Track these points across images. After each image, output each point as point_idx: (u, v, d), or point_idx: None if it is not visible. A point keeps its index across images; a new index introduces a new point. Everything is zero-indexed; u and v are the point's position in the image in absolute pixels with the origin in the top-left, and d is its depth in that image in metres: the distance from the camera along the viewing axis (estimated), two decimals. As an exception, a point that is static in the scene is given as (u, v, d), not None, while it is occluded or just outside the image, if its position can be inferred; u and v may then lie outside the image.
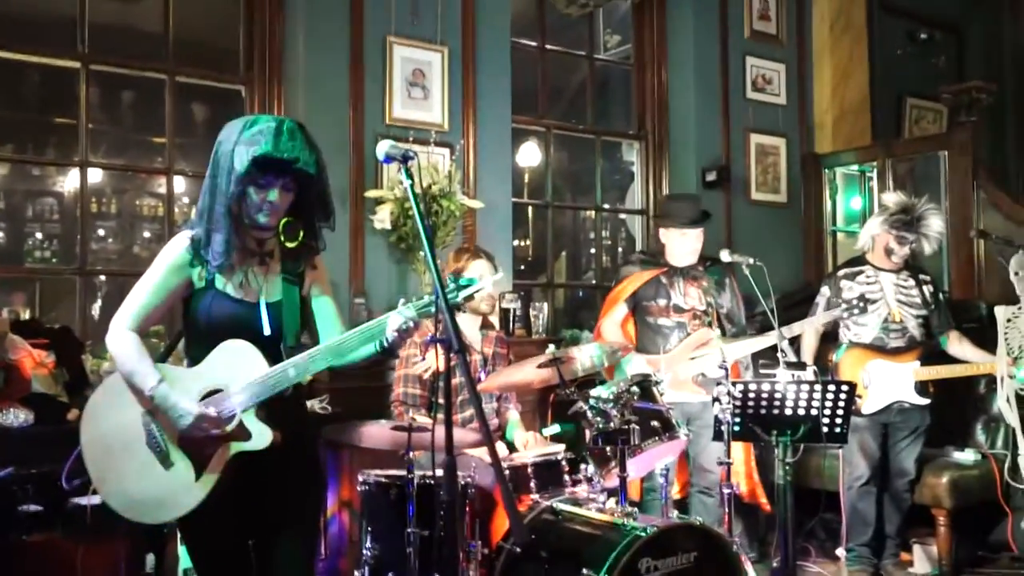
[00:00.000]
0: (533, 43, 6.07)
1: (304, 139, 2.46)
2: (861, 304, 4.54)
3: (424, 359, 3.87)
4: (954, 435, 5.16)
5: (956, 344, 4.74)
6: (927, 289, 4.72)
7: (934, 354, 4.73)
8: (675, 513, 3.64)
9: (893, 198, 4.81)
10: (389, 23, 4.99)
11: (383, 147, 2.39)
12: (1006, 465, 4.64)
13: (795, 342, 4.65)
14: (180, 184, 5.13)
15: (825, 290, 4.81)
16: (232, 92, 5.03)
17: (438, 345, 2.25)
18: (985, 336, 4.70)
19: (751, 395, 3.57)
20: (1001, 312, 4.58)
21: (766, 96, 6.74)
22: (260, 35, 4.90)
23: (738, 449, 4.48)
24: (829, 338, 4.88)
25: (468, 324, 4.07)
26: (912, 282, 4.70)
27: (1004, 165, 8.46)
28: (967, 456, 4.80)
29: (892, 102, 8.12)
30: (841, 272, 4.82)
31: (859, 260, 4.83)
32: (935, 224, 4.70)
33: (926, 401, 4.61)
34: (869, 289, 4.68)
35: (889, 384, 4.55)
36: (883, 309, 4.64)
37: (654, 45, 6.48)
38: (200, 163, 5.91)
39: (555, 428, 4.07)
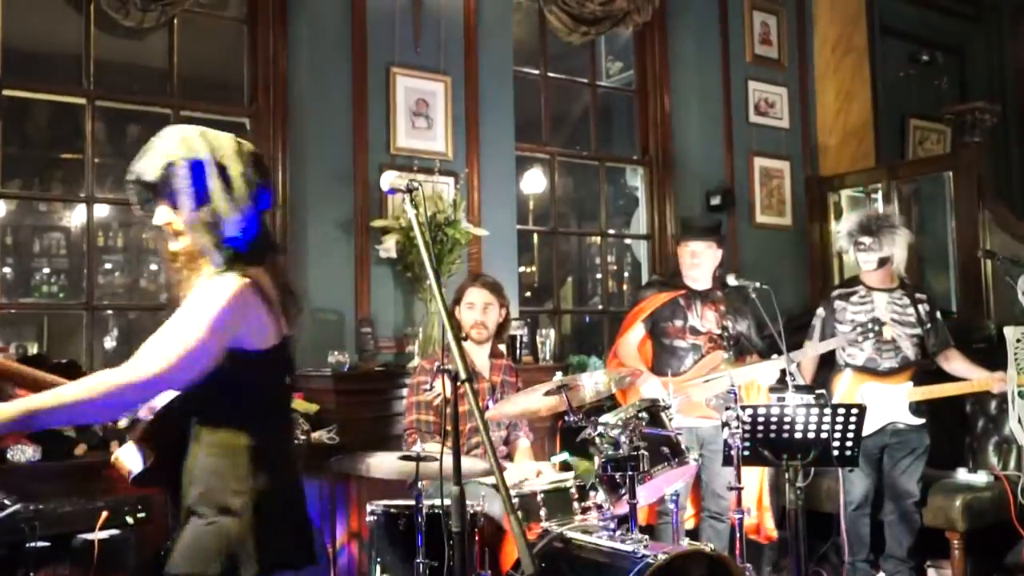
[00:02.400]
0: (536, 71, 6.10)
1: (157, 145, 2.12)
2: (876, 328, 4.51)
3: (433, 387, 3.87)
4: (965, 456, 5.13)
5: (952, 362, 4.72)
6: (923, 308, 4.71)
7: (930, 373, 4.72)
8: (686, 540, 3.61)
9: (852, 216, 4.91)
10: (392, 53, 5.02)
11: (387, 178, 2.39)
12: (1019, 486, 4.61)
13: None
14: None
15: (821, 312, 4.83)
16: (237, 125, 5.06)
17: (445, 375, 2.25)
18: (994, 357, 4.67)
19: (760, 419, 3.56)
20: (1010, 332, 4.56)
21: (769, 120, 6.75)
22: (264, 68, 4.94)
23: (752, 476, 4.46)
24: (826, 361, 4.86)
25: (476, 352, 4.07)
26: (907, 300, 4.70)
27: (1009, 185, 8.46)
28: (980, 478, 4.77)
29: (895, 124, 8.14)
30: (835, 293, 4.85)
31: (853, 281, 4.86)
32: (898, 231, 4.71)
33: (921, 421, 4.59)
34: (863, 309, 4.67)
35: (883, 406, 4.52)
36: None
37: (656, 71, 6.51)
38: (206, 196, 5.96)
39: (564, 456, 4.05)
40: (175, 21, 4.77)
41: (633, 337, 4.61)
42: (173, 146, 2.08)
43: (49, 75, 4.70)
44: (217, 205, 2.04)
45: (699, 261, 4.54)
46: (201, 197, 2.03)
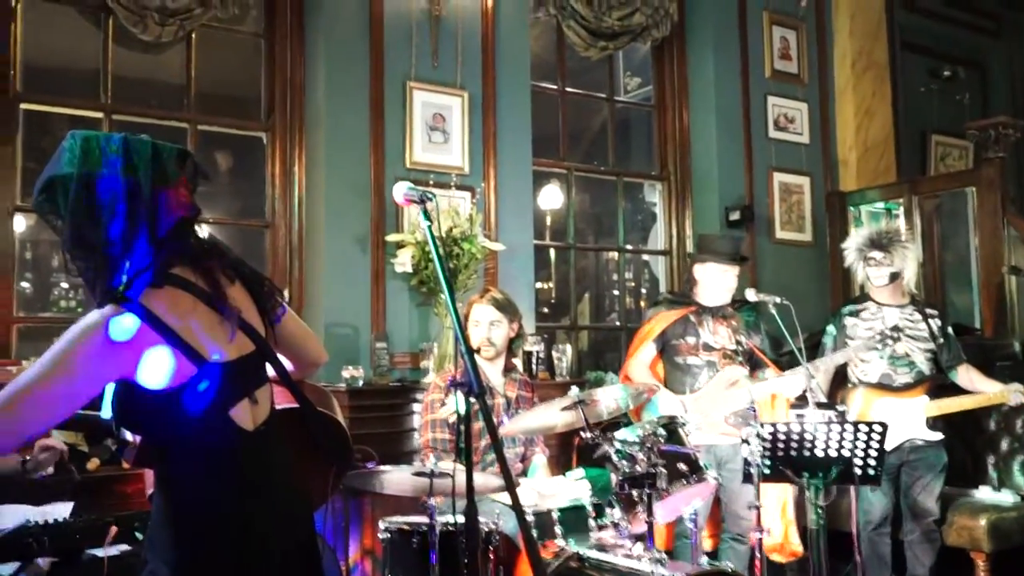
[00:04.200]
0: (554, 86, 6.08)
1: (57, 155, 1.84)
2: (895, 335, 4.44)
3: (446, 404, 3.84)
4: (989, 475, 5.05)
5: (966, 376, 4.65)
6: (934, 323, 4.64)
7: (945, 388, 4.65)
8: (705, 559, 3.54)
9: (861, 231, 4.89)
10: (409, 68, 5.02)
11: (400, 189, 2.36)
12: (1046, 507, 4.52)
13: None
14: (203, 232, 5.13)
15: (831, 329, 4.77)
16: (254, 139, 5.07)
17: (458, 389, 2.21)
18: (1019, 373, 4.59)
19: (781, 436, 3.51)
20: (1035, 349, 4.49)
21: (789, 135, 6.71)
22: (281, 82, 4.94)
23: (775, 489, 4.38)
24: (837, 379, 4.80)
25: (491, 368, 4.03)
26: (918, 316, 4.64)
27: (1032, 200, 8.37)
28: (1006, 497, 4.68)
29: (917, 139, 8.08)
30: (846, 310, 4.79)
31: (863, 297, 4.81)
32: (908, 246, 4.68)
33: (939, 436, 4.51)
34: (873, 325, 4.62)
35: (899, 422, 4.45)
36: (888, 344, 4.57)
37: (675, 86, 6.48)
38: (224, 210, 5.96)
39: (580, 472, 4.00)
40: (193, 36, 4.79)
41: (644, 357, 4.54)
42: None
43: (67, 89, 4.71)
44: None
45: (732, 284, 4.51)
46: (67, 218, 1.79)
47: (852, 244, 4.81)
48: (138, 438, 1.92)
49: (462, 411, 2.29)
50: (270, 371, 2.07)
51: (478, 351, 4.00)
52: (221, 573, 1.86)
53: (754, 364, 4.48)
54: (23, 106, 4.40)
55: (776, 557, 4.52)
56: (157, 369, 1.79)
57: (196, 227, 2.00)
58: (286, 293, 4.78)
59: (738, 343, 4.46)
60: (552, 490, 3.79)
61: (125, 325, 1.75)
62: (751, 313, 4.61)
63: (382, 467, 3.23)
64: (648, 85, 6.74)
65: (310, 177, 4.89)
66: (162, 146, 1.91)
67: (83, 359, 1.74)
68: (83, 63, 4.77)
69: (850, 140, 6.97)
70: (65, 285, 6.83)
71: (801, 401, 4.15)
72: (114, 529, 2.87)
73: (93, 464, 3.59)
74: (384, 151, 4.91)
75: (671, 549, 4.29)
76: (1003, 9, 8.78)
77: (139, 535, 2.91)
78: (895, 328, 4.51)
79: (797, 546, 4.51)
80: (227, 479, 1.91)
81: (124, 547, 2.89)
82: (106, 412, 1.88)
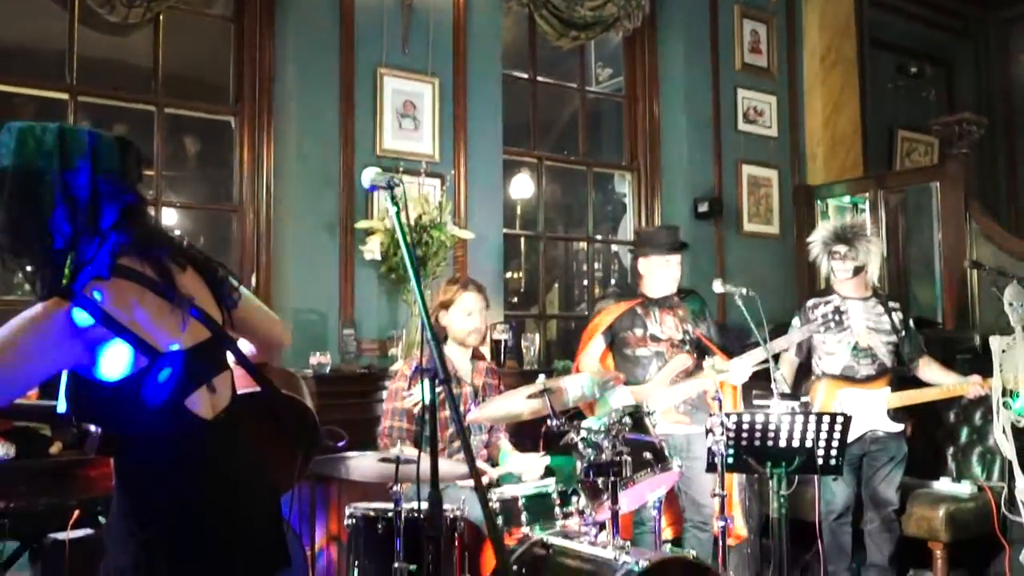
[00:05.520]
0: (525, 75, 6.08)
1: None
2: (836, 317, 4.50)
3: (412, 393, 3.84)
4: (948, 467, 5.13)
5: (925, 369, 4.74)
6: (896, 316, 4.74)
7: (906, 380, 4.73)
8: (668, 547, 3.58)
9: (825, 225, 5.01)
10: (380, 54, 4.99)
11: (368, 175, 2.35)
12: (1003, 497, 4.60)
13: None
14: (170, 216, 5.10)
15: (796, 322, 4.84)
16: (222, 124, 5.02)
17: (424, 375, 2.21)
18: (979, 367, 4.67)
19: (745, 427, 3.55)
20: (996, 342, 4.56)
21: (758, 128, 6.75)
22: (250, 66, 4.90)
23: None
24: (803, 370, 4.86)
25: (458, 356, 4.03)
26: (881, 308, 4.73)
27: (996, 196, 8.49)
28: (963, 488, 4.75)
29: (883, 134, 8.16)
30: (810, 303, 4.87)
31: (828, 291, 4.90)
32: (872, 240, 4.79)
33: (900, 428, 4.60)
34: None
35: (862, 413, 4.51)
36: (851, 336, 4.63)
37: (645, 77, 6.49)
38: (190, 195, 5.92)
39: (546, 460, 4.02)
40: (160, 18, 4.73)
41: (594, 351, 4.57)
42: None
43: (32, 70, 4.64)
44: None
45: (676, 274, 4.55)
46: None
47: (817, 238, 4.88)
48: (98, 429, 1.90)
49: (427, 399, 2.30)
50: (231, 358, 2.06)
51: (461, 343, 4.00)
52: (182, 562, 1.84)
53: (701, 352, 4.52)
54: (-13, 86, 4.34)
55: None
56: (107, 362, 1.76)
57: (145, 215, 1.96)
58: (253, 278, 4.76)
59: (685, 332, 4.51)
60: (532, 462, 3.82)
61: (70, 318, 1.73)
62: (697, 302, 4.66)
63: (348, 453, 3.23)
64: (619, 76, 6.75)
65: (279, 162, 4.86)
66: (101, 135, 1.87)
67: (24, 351, 1.71)
68: (49, 44, 4.70)
69: (818, 134, 7.02)
70: (29, 268, 6.76)
71: (765, 392, 4.20)
72: (77, 512, 2.85)
73: (56, 448, 3.55)
74: (354, 137, 4.89)
75: (630, 537, 4.33)
76: (970, 8, 8.87)
77: (102, 519, 2.90)
78: (835, 310, 4.56)
79: (742, 529, 4.58)
80: (186, 469, 1.89)
81: (87, 531, 2.87)
82: (61, 406, 1.86)
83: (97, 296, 1.76)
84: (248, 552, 1.96)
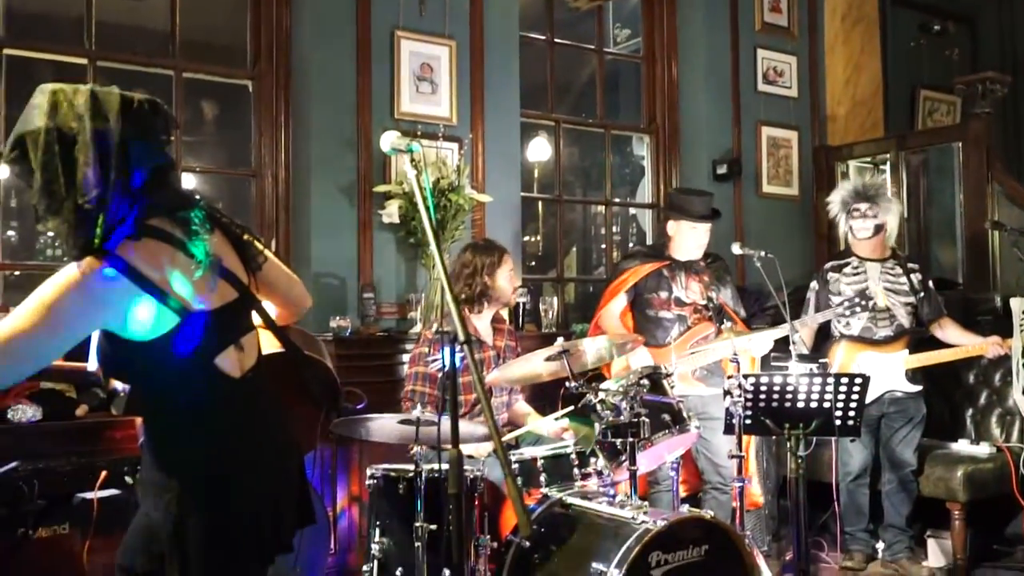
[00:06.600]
0: (542, 37, 6.04)
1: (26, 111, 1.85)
2: (864, 302, 4.48)
3: (437, 358, 3.85)
4: (967, 428, 5.13)
5: (945, 330, 4.73)
6: (915, 277, 4.72)
7: (924, 341, 4.71)
8: (686, 507, 3.61)
9: (846, 184, 5.01)
10: (396, 17, 4.97)
11: (387, 139, 2.36)
12: (1022, 458, 4.60)
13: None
14: (189, 181, 5.12)
15: (814, 284, 4.84)
16: (240, 87, 5.02)
17: (446, 338, 2.23)
18: (1000, 328, 4.65)
19: (763, 388, 3.56)
20: (1017, 304, 4.55)
21: (777, 89, 6.69)
22: (267, 30, 4.89)
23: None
24: (822, 332, 4.85)
25: (479, 319, 4.05)
26: (899, 270, 4.72)
27: (1019, 156, 8.39)
28: (982, 449, 4.76)
29: (905, 94, 8.06)
30: (828, 265, 4.88)
31: (845, 252, 4.89)
32: (892, 200, 4.80)
33: (918, 388, 4.60)
34: (856, 280, 4.67)
35: (880, 375, 4.51)
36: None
37: (664, 38, 6.44)
38: (208, 159, 5.93)
39: (565, 421, 4.04)
40: (178, -19, 4.72)
41: (615, 308, 4.59)
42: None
43: (51, 35, 4.65)
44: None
45: (704, 241, 4.56)
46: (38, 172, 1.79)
47: (837, 196, 4.86)
48: (127, 388, 1.94)
49: (448, 361, 2.31)
50: (257, 319, 2.09)
51: (509, 303, 4.10)
52: (214, 517, 1.89)
53: (722, 319, 4.52)
54: (6, 51, 4.34)
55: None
56: (139, 320, 1.79)
57: (173, 177, 1.98)
58: (272, 243, 4.78)
59: (709, 299, 4.51)
60: (553, 423, 3.86)
61: (105, 277, 1.76)
62: (721, 268, 4.66)
63: (369, 415, 3.27)
64: (637, 37, 6.70)
65: (297, 127, 4.86)
66: (131, 97, 1.89)
67: (62, 312, 1.74)
68: (67, 9, 4.71)
69: (839, 94, 6.95)
70: (51, 233, 6.81)
71: (783, 354, 4.21)
72: (104, 473, 2.90)
73: (82, 411, 3.61)
74: (371, 101, 4.88)
75: (644, 496, 4.37)
76: (994, -37, 8.73)
77: (128, 479, 2.95)
78: (862, 293, 4.54)
79: (758, 496, 4.62)
80: (216, 426, 1.94)
81: (114, 491, 2.92)
82: (92, 364, 1.90)
83: (130, 256, 1.79)
84: (276, 508, 2.01)
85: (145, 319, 1.80)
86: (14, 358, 1.73)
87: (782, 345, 4.30)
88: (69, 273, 1.76)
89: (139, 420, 2.04)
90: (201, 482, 1.89)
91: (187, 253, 1.87)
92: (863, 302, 4.45)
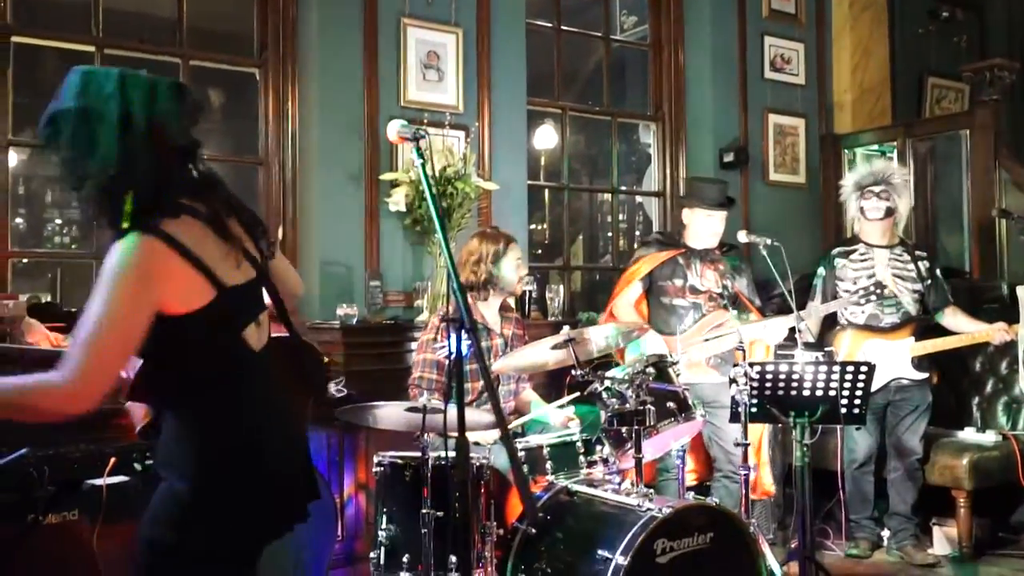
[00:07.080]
0: (549, 24, 6.02)
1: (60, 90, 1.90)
2: (878, 292, 4.48)
3: (444, 345, 3.86)
4: (973, 416, 5.13)
5: (951, 317, 4.73)
6: (923, 265, 4.72)
7: (931, 329, 4.71)
8: (691, 494, 3.62)
9: (860, 168, 5.01)
10: (403, 5, 4.97)
11: (394, 127, 2.37)
12: (1028, 446, 4.60)
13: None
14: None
15: (821, 271, 4.84)
16: (247, 75, 5.03)
17: (452, 325, 2.24)
18: (1006, 316, 4.65)
19: (768, 376, 3.56)
20: (1023, 292, 4.54)
21: (785, 76, 6.67)
22: (274, 18, 4.89)
23: (752, 431, 4.46)
24: (827, 319, 4.86)
25: (487, 307, 4.06)
26: (907, 256, 4.71)
27: (1027, 144, 8.35)
28: (988, 437, 4.76)
29: (913, 81, 8.02)
30: (835, 251, 4.88)
31: (853, 239, 4.87)
32: (904, 186, 4.80)
33: (924, 376, 4.60)
34: (864, 267, 4.68)
35: (886, 362, 4.51)
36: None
37: (671, 26, 6.42)
38: (215, 147, 5.94)
39: (570, 408, 4.05)
40: (184, -31, 4.72)
41: (631, 296, 4.60)
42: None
43: (58, 23, 4.66)
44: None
45: (719, 229, 4.57)
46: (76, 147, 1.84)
47: (851, 180, 4.86)
48: (130, 374, 1.96)
49: (455, 348, 2.33)
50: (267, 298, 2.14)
51: (515, 291, 4.08)
52: (238, 488, 1.93)
53: (737, 309, 4.53)
54: (14, 39, 4.35)
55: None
56: (182, 295, 1.84)
57: (198, 159, 2.01)
58: (279, 231, 4.79)
59: (724, 287, 4.52)
60: (556, 411, 3.86)
61: (157, 251, 1.80)
62: (736, 258, 4.67)
63: (376, 403, 3.28)
64: (644, 24, 6.68)
65: (303, 114, 4.87)
66: (158, 80, 1.93)
67: (139, 290, 1.78)
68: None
69: (846, 82, 6.93)
70: (59, 221, 6.84)
71: (789, 342, 4.21)
72: (113, 459, 2.92)
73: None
74: (378, 89, 4.88)
75: (650, 484, 4.39)
76: (1003, -50, 8.67)
77: (137, 466, 2.96)
78: (877, 283, 4.54)
79: (770, 486, 4.62)
80: (244, 395, 1.99)
81: (123, 477, 2.94)
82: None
83: (175, 231, 1.84)
84: (294, 477, 2.07)
85: (188, 293, 1.84)
86: (118, 353, 1.78)
87: (788, 333, 4.31)
88: (128, 253, 1.78)
89: (137, 407, 2.07)
90: (227, 451, 1.94)
91: (216, 231, 1.92)
92: (877, 291, 4.45)
